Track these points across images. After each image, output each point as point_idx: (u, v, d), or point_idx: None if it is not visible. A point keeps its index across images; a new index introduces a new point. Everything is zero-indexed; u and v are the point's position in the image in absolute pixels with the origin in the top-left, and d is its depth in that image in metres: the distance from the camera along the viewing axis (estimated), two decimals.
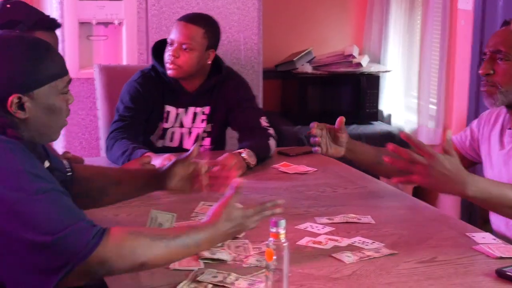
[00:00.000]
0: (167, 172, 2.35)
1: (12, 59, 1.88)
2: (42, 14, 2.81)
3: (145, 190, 2.40)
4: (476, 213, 4.11)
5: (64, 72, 1.97)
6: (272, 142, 3.32)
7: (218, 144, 3.53)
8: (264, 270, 1.95)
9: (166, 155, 2.98)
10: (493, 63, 2.44)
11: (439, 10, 4.71)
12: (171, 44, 3.34)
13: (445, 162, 2.14)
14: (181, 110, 3.45)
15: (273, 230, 1.66)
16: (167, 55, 3.34)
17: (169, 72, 3.35)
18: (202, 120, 3.46)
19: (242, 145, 3.17)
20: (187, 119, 3.45)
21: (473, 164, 2.80)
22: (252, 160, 3.10)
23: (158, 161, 2.92)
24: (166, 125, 3.45)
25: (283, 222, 1.66)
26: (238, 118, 3.43)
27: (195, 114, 3.46)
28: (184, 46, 3.32)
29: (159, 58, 3.41)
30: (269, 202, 2.00)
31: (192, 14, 3.50)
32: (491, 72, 2.44)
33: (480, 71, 2.47)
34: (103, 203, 2.34)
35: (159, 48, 3.44)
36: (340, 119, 2.75)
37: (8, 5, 2.75)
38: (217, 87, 3.46)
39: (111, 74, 3.81)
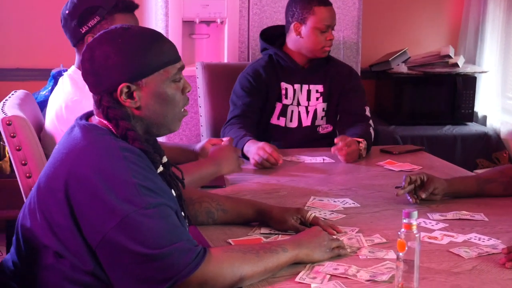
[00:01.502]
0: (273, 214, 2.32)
1: (118, 50, 1.91)
2: None
3: (249, 221, 2.36)
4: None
5: (175, 59, 1.98)
6: (372, 131, 3.45)
7: (334, 125, 3.63)
8: (385, 263, 2.01)
9: (261, 144, 3.11)
10: None
11: None
12: (327, 29, 3.52)
13: None
14: (297, 86, 3.58)
15: (405, 221, 1.68)
16: (325, 40, 3.52)
17: (324, 54, 3.57)
18: (317, 98, 3.59)
19: (355, 132, 3.33)
20: (302, 97, 3.58)
21: None
22: (364, 151, 3.26)
23: (253, 148, 3.10)
24: (286, 101, 3.58)
25: (415, 214, 1.69)
26: (348, 101, 3.58)
27: (309, 92, 3.57)
28: (334, 27, 3.57)
29: (268, 41, 3.65)
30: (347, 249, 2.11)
31: None
32: None
33: None
34: (209, 224, 2.32)
35: (265, 32, 3.71)
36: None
37: None
38: (328, 65, 3.63)
39: (213, 72, 3.90)
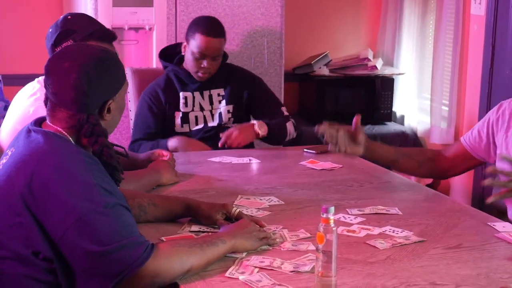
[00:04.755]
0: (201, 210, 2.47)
1: (105, 69, 2.07)
2: (101, 25, 2.95)
3: (179, 217, 2.50)
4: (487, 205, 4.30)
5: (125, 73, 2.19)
6: (290, 125, 3.67)
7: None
8: (307, 255, 2.17)
9: (179, 137, 3.50)
10: None
11: (452, 15, 4.89)
12: (203, 57, 3.63)
13: None
14: (196, 93, 3.74)
15: (324, 215, 1.84)
16: (199, 67, 3.65)
17: (199, 78, 3.69)
18: (219, 101, 3.75)
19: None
20: (205, 102, 3.74)
21: (480, 164, 2.96)
22: (262, 130, 3.51)
23: (173, 142, 3.48)
24: (186, 109, 3.73)
25: (332, 209, 1.85)
26: (261, 106, 3.76)
27: (210, 96, 3.75)
28: (215, 58, 3.65)
29: (167, 57, 3.79)
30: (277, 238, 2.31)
31: (214, 26, 3.69)
32: None
33: None
34: (141, 220, 2.42)
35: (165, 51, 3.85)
36: (356, 119, 2.81)
37: (69, 17, 2.93)
38: (227, 73, 3.77)
39: (143, 77, 4.02)
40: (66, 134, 2.07)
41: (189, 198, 2.56)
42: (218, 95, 3.75)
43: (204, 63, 3.63)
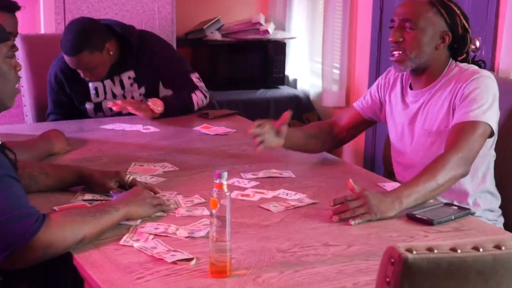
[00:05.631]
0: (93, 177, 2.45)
1: None
2: None
3: (71, 185, 2.48)
4: (378, 165, 4.41)
5: (6, 37, 2.09)
6: (198, 95, 3.62)
7: None
8: (202, 221, 2.19)
9: None
10: (402, 31, 2.63)
11: None
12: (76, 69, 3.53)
13: (371, 192, 2.29)
14: (107, 81, 3.62)
15: (217, 181, 1.85)
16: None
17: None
18: (131, 84, 3.64)
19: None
20: (116, 89, 3.64)
21: (372, 124, 3.04)
22: (157, 106, 3.46)
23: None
24: (97, 99, 3.63)
25: (225, 174, 1.85)
26: (167, 78, 3.68)
27: (121, 82, 3.64)
28: (86, 70, 3.50)
29: None
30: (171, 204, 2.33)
31: (69, 44, 3.43)
32: (401, 39, 2.63)
33: (390, 39, 2.66)
34: (32, 190, 2.38)
35: None
36: (285, 116, 2.70)
37: None
38: (138, 51, 3.63)
39: (33, 43, 3.90)
40: None
41: (81, 166, 2.53)
42: (129, 78, 3.63)
43: (81, 74, 3.51)
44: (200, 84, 3.70)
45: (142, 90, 3.67)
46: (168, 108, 3.50)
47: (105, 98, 3.64)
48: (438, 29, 2.62)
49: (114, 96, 3.64)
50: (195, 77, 3.70)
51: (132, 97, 3.65)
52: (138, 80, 3.65)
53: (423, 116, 2.68)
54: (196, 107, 3.64)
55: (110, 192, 2.38)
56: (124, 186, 2.42)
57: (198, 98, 3.63)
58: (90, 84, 3.61)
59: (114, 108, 3.45)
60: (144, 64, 3.64)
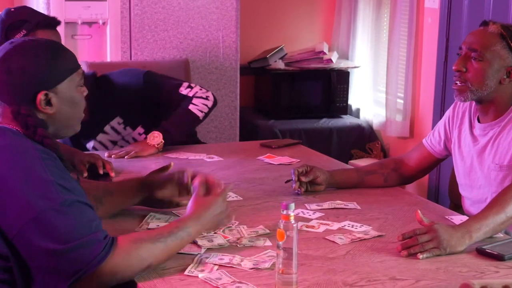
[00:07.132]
0: (155, 180, 2.48)
1: (32, 60, 2.03)
2: (43, 14, 3.03)
3: (137, 199, 2.50)
4: (442, 197, 4.34)
5: (78, 65, 2.13)
6: (195, 105, 3.43)
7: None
8: (266, 252, 2.17)
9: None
10: (467, 61, 2.57)
11: (407, 8, 4.92)
12: None
13: (441, 226, 2.23)
14: (101, 136, 3.53)
15: (284, 212, 1.83)
16: None
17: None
18: (125, 128, 3.53)
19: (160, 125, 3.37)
20: (112, 136, 3.54)
21: (441, 161, 2.98)
22: (156, 141, 3.31)
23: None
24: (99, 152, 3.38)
25: (292, 205, 1.84)
26: (158, 103, 3.48)
27: (113, 128, 3.53)
28: None
29: None
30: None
31: None
32: (464, 70, 2.58)
33: (453, 67, 2.62)
34: (99, 212, 2.34)
35: None
36: (310, 173, 2.78)
37: (12, 9, 2.97)
38: (111, 94, 3.47)
39: (98, 70, 3.95)
40: (14, 127, 2.03)
41: (141, 175, 2.58)
42: (119, 123, 3.50)
43: None
44: (194, 91, 3.45)
45: (140, 129, 3.53)
46: (168, 136, 3.35)
47: (107, 149, 3.50)
48: (504, 64, 2.56)
49: (115, 143, 3.54)
50: (184, 88, 3.45)
51: (134, 139, 3.51)
52: (128, 123, 3.52)
53: (493, 149, 2.62)
54: (201, 115, 3.43)
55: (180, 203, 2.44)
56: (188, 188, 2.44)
57: (199, 106, 3.43)
58: (87, 145, 3.52)
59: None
60: (126, 107, 3.48)
